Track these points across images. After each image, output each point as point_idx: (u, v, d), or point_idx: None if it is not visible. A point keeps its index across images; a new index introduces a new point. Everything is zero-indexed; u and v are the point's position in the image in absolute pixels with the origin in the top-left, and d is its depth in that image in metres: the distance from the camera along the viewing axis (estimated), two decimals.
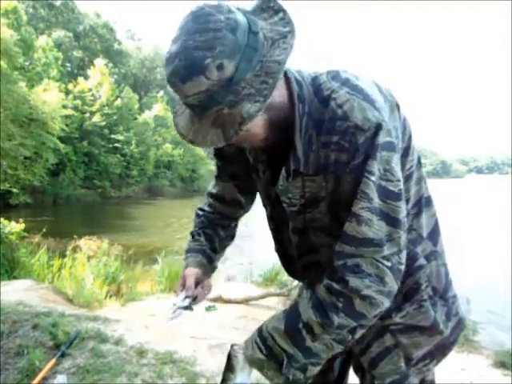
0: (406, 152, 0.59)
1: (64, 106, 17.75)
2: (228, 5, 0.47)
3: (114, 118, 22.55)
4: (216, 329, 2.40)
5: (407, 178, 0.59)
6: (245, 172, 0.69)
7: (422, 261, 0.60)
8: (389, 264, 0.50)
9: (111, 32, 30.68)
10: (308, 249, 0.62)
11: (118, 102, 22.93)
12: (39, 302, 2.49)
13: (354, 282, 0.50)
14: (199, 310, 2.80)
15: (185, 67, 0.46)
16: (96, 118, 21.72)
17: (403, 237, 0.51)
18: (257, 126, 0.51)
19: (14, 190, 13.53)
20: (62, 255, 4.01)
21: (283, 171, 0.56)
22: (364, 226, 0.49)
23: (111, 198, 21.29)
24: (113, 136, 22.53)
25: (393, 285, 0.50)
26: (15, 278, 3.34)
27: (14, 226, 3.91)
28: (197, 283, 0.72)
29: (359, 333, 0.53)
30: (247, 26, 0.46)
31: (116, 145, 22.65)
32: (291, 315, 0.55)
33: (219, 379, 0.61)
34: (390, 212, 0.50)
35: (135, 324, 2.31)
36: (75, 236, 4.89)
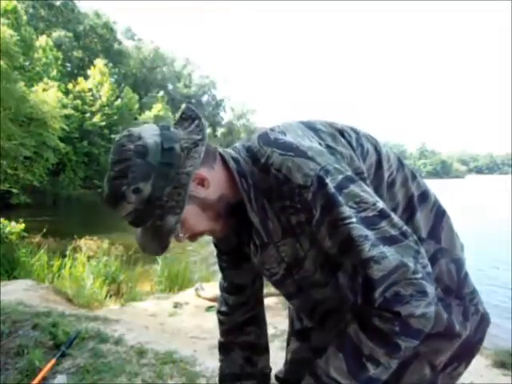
0: (379, 164, 0.59)
1: (64, 106, 17.75)
2: (139, 132, 0.53)
3: (114, 117, 22.55)
4: (216, 329, 2.39)
5: (390, 186, 0.59)
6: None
7: None
8: (420, 275, 0.49)
9: (111, 32, 30.67)
10: (311, 306, 0.61)
11: (118, 101, 22.93)
12: (39, 302, 2.49)
13: (404, 310, 0.49)
14: (199, 310, 2.80)
15: (110, 195, 0.53)
16: (96, 118, 21.74)
17: (408, 240, 0.51)
18: (201, 224, 0.56)
19: (14, 190, 13.53)
20: (62, 255, 4.00)
21: (252, 247, 0.58)
22: (382, 261, 0.49)
23: None
24: (113, 136, 22.47)
25: (432, 290, 0.50)
26: (15, 278, 3.34)
27: (14, 226, 3.90)
28: None
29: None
30: (159, 146, 0.51)
31: None
32: (349, 353, 0.52)
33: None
34: (386, 234, 0.50)
35: (135, 324, 2.31)
36: (75, 236, 4.89)
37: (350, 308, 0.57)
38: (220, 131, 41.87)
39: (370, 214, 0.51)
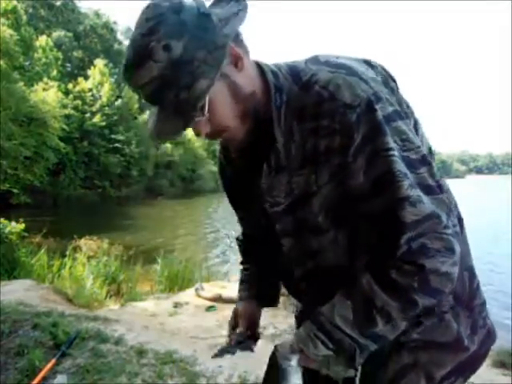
0: (416, 132, 0.53)
1: (64, 106, 17.75)
2: None
3: (115, 118, 22.55)
4: (216, 328, 2.39)
5: None
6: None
7: None
8: (450, 231, 0.45)
9: (111, 32, 30.68)
10: (303, 254, 0.55)
11: (118, 102, 22.93)
12: (39, 302, 2.49)
13: (430, 263, 0.44)
14: (199, 310, 2.80)
15: (133, 56, 0.45)
16: (96, 118, 21.74)
17: (443, 195, 0.47)
18: (228, 116, 0.49)
19: (14, 190, 13.54)
20: (62, 255, 4.01)
21: (265, 167, 0.52)
22: (418, 204, 0.44)
23: (111, 198, 21.29)
24: (113, 136, 22.54)
25: (459, 250, 0.46)
26: (15, 278, 3.34)
27: (14, 226, 3.91)
28: (250, 323, 0.67)
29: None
30: (196, 9, 0.46)
31: (116, 145, 22.66)
32: (358, 302, 0.48)
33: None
34: (424, 181, 0.46)
35: (135, 324, 2.31)
36: (75, 236, 4.89)
37: (346, 274, 0.52)
38: None
39: (413, 157, 0.46)
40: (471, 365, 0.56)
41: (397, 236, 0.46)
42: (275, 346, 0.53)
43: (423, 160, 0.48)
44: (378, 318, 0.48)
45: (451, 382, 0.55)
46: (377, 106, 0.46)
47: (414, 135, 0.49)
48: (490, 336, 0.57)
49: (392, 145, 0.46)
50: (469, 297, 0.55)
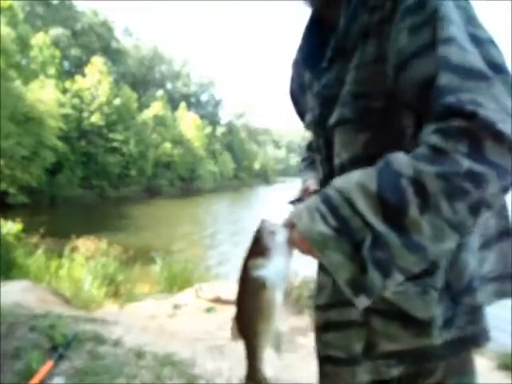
0: None
1: (62, 105, 17.66)
2: None
3: (113, 117, 22.49)
4: (215, 330, 2.38)
5: None
6: None
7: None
8: (509, 101, 0.34)
9: (109, 30, 30.59)
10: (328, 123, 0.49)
11: (117, 101, 22.86)
12: (36, 303, 2.47)
13: (484, 112, 0.33)
14: (198, 312, 2.78)
15: None
16: (95, 118, 21.67)
17: None
18: None
19: (11, 190, 13.47)
20: (60, 256, 3.98)
21: (328, 49, 0.49)
22: (466, 53, 0.36)
23: (110, 198, 21.24)
24: (111, 135, 22.48)
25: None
26: (12, 278, 3.31)
27: (12, 227, 3.88)
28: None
29: (482, 216, 0.35)
30: None
31: (115, 144, 22.61)
32: (384, 172, 0.36)
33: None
34: (490, 58, 0.37)
35: (134, 325, 2.29)
36: (73, 236, 4.86)
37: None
38: (219, 131, 41.85)
39: (478, 32, 0.39)
40: (422, 359, 0.47)
41: (441, 78, 0.35)
42: (262, 220, 0.44)
43: (493, 43, 0.38)
44: (408, 191, 0.33)
45: (388, 365, 0.48)
46: None
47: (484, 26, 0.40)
48: (465, 344, 0.48)
49: (450, 12, 0.38)
50: (462, 289, 0.47)
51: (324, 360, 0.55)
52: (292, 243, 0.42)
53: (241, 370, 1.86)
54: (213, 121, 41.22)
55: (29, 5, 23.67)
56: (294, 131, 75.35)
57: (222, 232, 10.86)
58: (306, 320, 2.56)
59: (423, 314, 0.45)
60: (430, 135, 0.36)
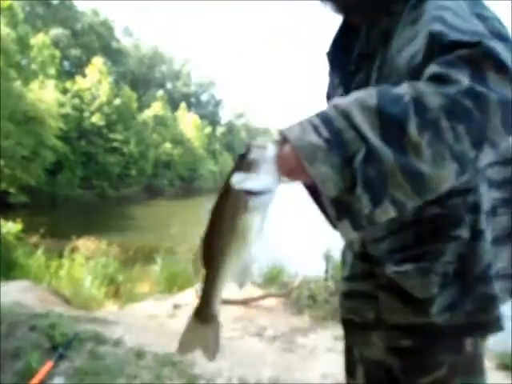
0: None
1: (62, 105, 17.66)
2: None
3: (113, 117, 22.50)
4: None
5: None
6: None
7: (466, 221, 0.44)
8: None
9: (109, 30, 30.59)
10: None
11: (117, 101, 22.87)
12: (36, 303, 2.47)
13: (488, 42, 0.32)
14: None
15: None
16: (95, 118, 21.68)
17: None
18: None
19: (11, 190, 13.47)
20: (60, 256, 3.98)
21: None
22: (464, 20, 0.36)
23: (110, 198, 21.24)
24: (111, 135, 22.48)
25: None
26: (12, 278, 3.31)
27: (12, 227, 3.88)
28: None
29: (486, 152, 0.33)
30: None
31: (115, 144, 22.61)
32: (384, 91, 0.35)
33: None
34: (494, 29, 0.36)
35: (134, 325, 2.29)
36: (73, 236, 4.87)
37: None
38: (219, 131, 41.86)
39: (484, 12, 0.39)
40: (429, 335, 0.48)
41: (441, 35, 0.34)
42: (248, 141, 0.40)
43: (499, 20, 0.37)
44: (410, 110, 0.32)
45: (397, 335, 0.50)
46: None
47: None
48: (473, 329, 0.48)
49: (448, 3, 0.38)
50: (474, 279, 0.46)
51: (346, 322, 0.62)
52: (281, 159, 0.38)
53: (241, 369, 1.86)
54: (213, 121, 41.23)
55: (29, 5, 23.68)
56: None
57: None
58: (305, 320, 2.56)
59: (422, 294, 0.47)
60: (432, 67, 0.34)
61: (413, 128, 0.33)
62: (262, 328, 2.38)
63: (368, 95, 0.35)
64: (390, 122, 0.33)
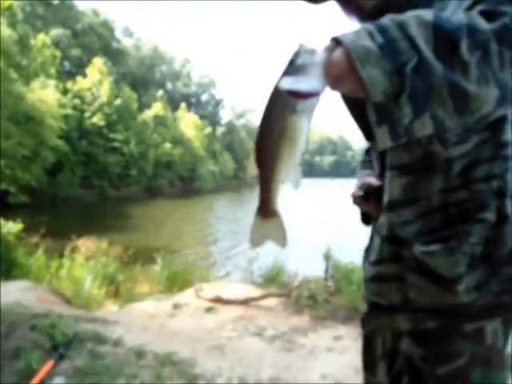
0: None
1: (62, 105, 17.68)
2: None
3: (113, 117, 22.51)
4: (215, 330, 2.38)
5: None
6: None
7: (492, 206, 0.47)
8: None
9: (110, 30, 30.60)
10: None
11: (118, 101, 22.87)
12: (37, 303, 2.47)
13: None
14: (199, 311, 2.78)
15: None
16: (95, 118, 21.69)
17: None
18: None
19: (12, 190, 13.47)
20: (60, 256, 3.98)
21: None
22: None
23: (110, 198, 21.24)
24: (112, 135, 22.49)
25: None
26: (13, 278, 3.32)
27: (12, 227, 3.88)
28: None
29: None
30: None
31: (115, 144, 22.62)
32: (439, 14, 0.36)
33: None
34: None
35: (134, 325, 2.29)
36: (74, 236, 4.87)
37: None
38: (220, 130, 41.83)
39: None
40: (456, 315, 0.50)
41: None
42: (299, 43, 0.40)
43: None
44: (463, 31, 0.33)
45: (424, 317, 0.51)
46: None
47: None
48: (499, 309, 0.50)
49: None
50: (501, 260, 0.49)
51: (371, 305, 0.62)
52: (329, 64, 0.37)
53: (241, 369, 1.86)
54: (213, 121, 41.21)
55: (29, 5, 23.69)
56: None
57: (222, 232, 10.85)
58: (305, 320, 2.56)
59: (448, 273, 0.50)
60: (478, 7, 0.36)
61: (464, 47, 0.34)
62: (261, 328, 2.37)
63: (424, 13, 0.36)
64: (443, 38, 0.35)
